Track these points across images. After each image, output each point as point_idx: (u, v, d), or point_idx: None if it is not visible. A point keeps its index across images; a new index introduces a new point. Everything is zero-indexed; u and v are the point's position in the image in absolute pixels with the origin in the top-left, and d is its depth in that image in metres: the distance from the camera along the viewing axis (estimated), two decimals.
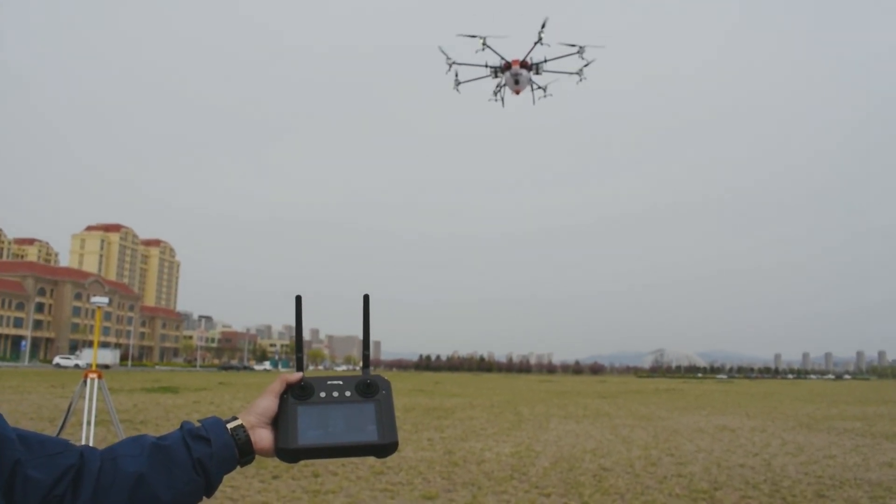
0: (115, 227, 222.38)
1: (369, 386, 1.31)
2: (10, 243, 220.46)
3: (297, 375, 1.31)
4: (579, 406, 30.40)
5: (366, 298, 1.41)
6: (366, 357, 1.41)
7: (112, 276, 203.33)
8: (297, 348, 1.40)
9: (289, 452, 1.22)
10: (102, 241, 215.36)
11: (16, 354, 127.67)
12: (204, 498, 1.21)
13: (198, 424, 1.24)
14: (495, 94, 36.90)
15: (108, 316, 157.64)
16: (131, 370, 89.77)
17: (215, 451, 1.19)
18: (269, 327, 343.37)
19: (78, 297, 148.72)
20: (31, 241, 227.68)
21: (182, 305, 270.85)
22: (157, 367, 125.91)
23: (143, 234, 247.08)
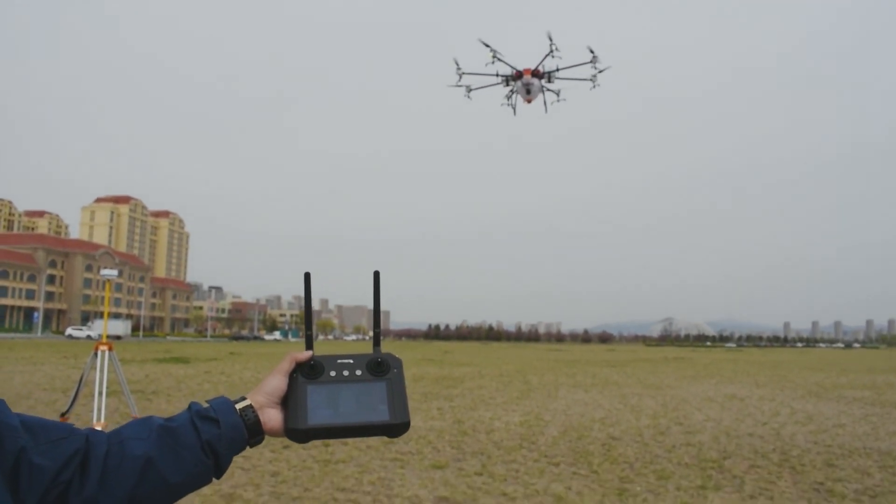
0: (124, 199, 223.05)
1: (380, 364, 1.28)
2: (20, 216, 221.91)
3: (306, 354, 1.28)
4: (588, 375, 30.49)
5: (376, 275, 1.37)
6: (376, 335, 1.36)
7: (122, 248, 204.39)
8: (307, 326, 1.35)
9: (298, 433, 1.19)
10: (112, 212, 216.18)
11: (28, 326, 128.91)
12: (213, 479, 1.19)
13: (206, 405, 1.21)
14: (507, 99, 36.49)
15: (118, 287, 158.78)
16: (142, 341, 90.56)
17: (224, 432, 1.17)
18: (278, 297, 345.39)
19: (89, 268, 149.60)
20: (41, 214, 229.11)
21: (192, 276, 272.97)
22: (168, 337, 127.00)
23: (153, 206, 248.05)
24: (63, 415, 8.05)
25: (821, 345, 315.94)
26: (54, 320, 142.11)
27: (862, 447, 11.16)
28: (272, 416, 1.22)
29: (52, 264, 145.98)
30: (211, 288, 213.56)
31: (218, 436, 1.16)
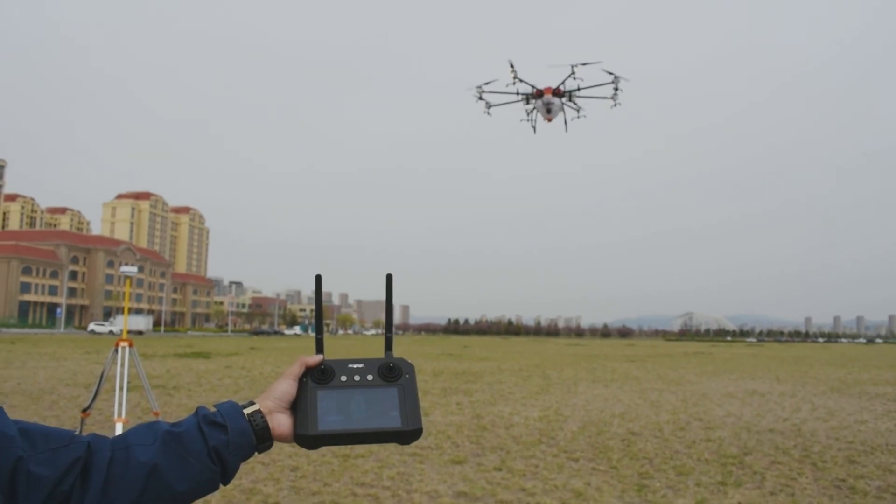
0: (144, 196, 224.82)
1: (392, 369, 1.25)
2: (42, 213, 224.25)
3: (316, 358, 1.25)
4: (607, 370, 30.36)
5: (389, 278, 1.34)
6: (388, 339, 1.34)
7: (143, 244, 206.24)
8: (317, 329, 1.33)
9: (308, 439, 1.17)
10: (133, 209, 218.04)
11: (51, 321, 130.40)
12: (220, 486, 1.16)
13: (213, 409, 1.18)
14: (528, 115, 36.26)
15: (140, 283, 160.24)
16: (164, 336, 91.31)
17: (231, 438, 1.14)
18: (298, 292, 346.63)
19: (110, 264, 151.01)
20: (63, 211, 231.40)
21: (212, 272, 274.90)
22: (188, 332, 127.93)
23: (173, 202, 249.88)
24: (85, 410, 8.12)
25: (843, 340, 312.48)
26: (77, 316, 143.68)
27: (884, 444, 11.03)
28: (281, 422, 1.20)
29: (74, 260, 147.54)
30: (231, 283, 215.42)
31: (225, 442, 1.13)
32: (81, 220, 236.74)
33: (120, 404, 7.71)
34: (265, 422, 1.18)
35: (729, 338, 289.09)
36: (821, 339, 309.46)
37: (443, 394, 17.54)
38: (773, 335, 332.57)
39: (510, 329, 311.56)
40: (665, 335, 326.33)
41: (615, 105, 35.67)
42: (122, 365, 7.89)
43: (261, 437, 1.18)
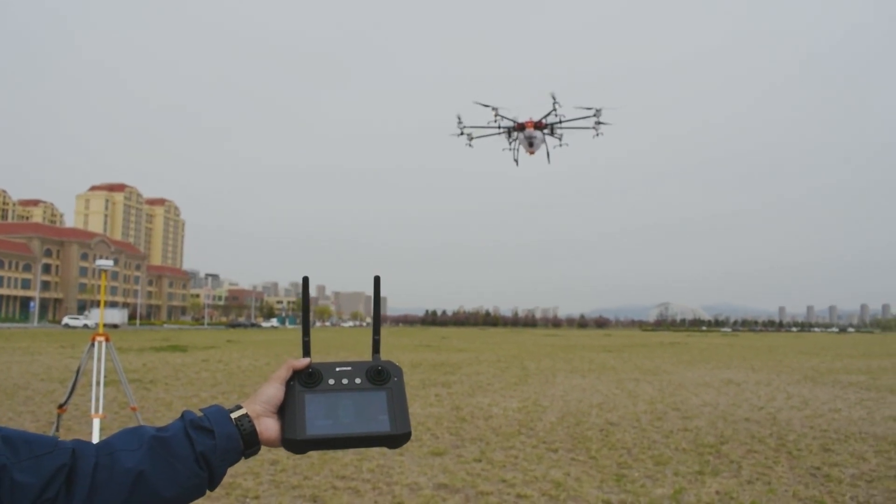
0: (119, 187, 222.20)
1: (380, 373, 1.24)
2: (14, 205, 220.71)
3: (303, 361, 1.24)
4: (585, 360, 30.57)
5: (376, 280, 1.32)
6: (376, 342, 1.33)
7: (118, 236, 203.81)
8: (304, 332, 1.31)
9: (296, 443, 1.15)
10: (107, 200, 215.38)
11: (25, 315, 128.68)
12: (207, 492, 1.14)
13: (200, 414, 1.16)
14: (510, 146, 36.21)
15: (115, 275, 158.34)
16: (140, 329, 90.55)
17: (219, 443, 1.11)
18: (275, 284, 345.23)
19: (84, 257, 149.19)
20: (35, 203, 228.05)
21: (188, 264, 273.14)
22: (165, 325, 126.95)
23: (148, 194, 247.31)
24: (61, 406, 8.01)
25: (816, 329, 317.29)
26: (51, 309, 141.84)
27: (858, 432, 11.21)
28: (269, 426, 1.18)
29: (48, 253, 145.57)
30: (207, 275, 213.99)
31: (213, 447, 1.11)
32: (55, 213, 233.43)
33: (97, 399, 7.61)
34: (253, 426, 1.16)
35: (704, 328, 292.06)
36: (794, 329, 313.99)
37: (421, 385, 17.55)
38: (747, 325, 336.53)
39: (488, 320, 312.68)
40: (641, 325, 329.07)
41: (597, 135, 35.86)
42: (99, 359, 7.79)
43: (248, 441, 1.16)
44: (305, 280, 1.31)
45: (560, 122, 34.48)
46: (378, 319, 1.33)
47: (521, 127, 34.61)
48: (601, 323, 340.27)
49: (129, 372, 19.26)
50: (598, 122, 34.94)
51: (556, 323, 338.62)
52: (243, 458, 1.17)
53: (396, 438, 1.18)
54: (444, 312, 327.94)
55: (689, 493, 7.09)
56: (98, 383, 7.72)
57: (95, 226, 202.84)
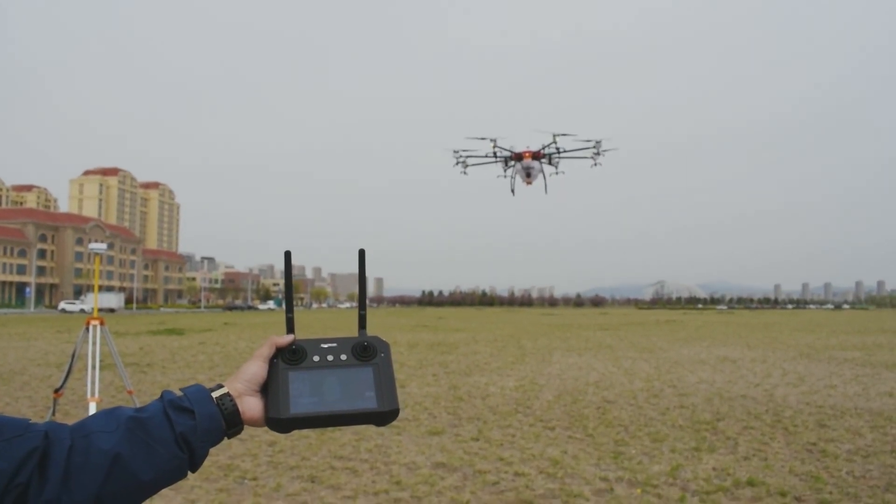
0: (112, 171, 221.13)
1: (366, 348, 1.20)
2: (8, 190, 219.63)
3: (287, 338, 1.19)
4: (581, 339, 30.66)
5: (361, 254, 1.28)
6: (362, 317, 1.28)
7: (112, 220, 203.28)
8: (288, 308, 1.26)
9: (280, 422, 1.11)
10: (101, 185, 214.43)
11: (21, 301, 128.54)
12: (188, 474, 1.08)
13: (179, 394, 1.11)
14: (505, 174, 36.03)
15: (110, 260, 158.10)
16: (136, 313, 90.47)
17: (199, 423, 1.06)
18: (271, 267, 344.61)
19: (79, 242, 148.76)
20: (29, 188, 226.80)
21: (184, 248, 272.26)
22: (161, 309, 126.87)
23: (142, 178, 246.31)
24: (57, 390, 8.00)
25: (811, 306, 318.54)
26: (46, 295, 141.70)
27: (853, 408, 11.26)
28: (252, 405, 1.13)
29: (43, 238, 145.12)
30: (203, 259, 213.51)
31: (193, 427, 1.06)
32: (48, 198, 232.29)
33: (93, 383, 7.60)
34: (235, 405, 1.11)
35: (700, 305, 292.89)
36: (790, 306, 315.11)
37: (418, 365, 17.58)
38: (743, 302, 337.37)
39: (484, 300, 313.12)
40: (637, 304, 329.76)
41: (595, 165, 35.75)
42: (94, 343, 7.77)
43: (230, 421, 1.11)
44: (287, 255, 1.27)
45: (558, 152, 34.35)
46: (364, 294, 1.28)
47: (518, 157, 34.50)
48: (597, 302, 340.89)
49: (126, 356, 19.26)
50: (597, 153, 34.90)
51: (552, 302, 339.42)
52: (226, 438, 1.13)
53: (384, 415, 1.14)
54: (440, 293, 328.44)
55: (686, 469, 7.11)
56: (94, 367, 7.70)
57: (90, 210, 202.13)
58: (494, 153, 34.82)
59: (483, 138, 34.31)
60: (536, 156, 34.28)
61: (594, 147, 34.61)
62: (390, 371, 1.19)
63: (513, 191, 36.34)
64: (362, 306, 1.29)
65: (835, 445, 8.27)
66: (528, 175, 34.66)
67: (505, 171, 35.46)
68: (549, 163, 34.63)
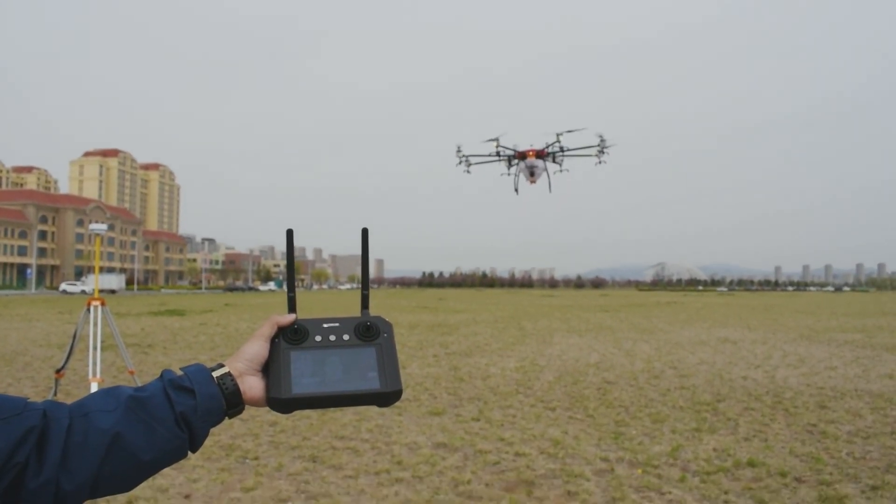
0: (112, 153, 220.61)
1: (369, 328, 1.18)
2: (8, 172, 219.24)
3: (289, 317, 1.17)
4: (582, 320, 30.69)
5: (364, 233, 1.26)
6: (364, 297, 1.26)
7: (113, 202, 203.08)
8: (289, 287, 1.23)
9: (282, 403, 1.09)
10: (101, 166, 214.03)
11: (22, 282, 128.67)
12: (188, 455, 1.06)
13: (180, 373, 1.08)
14: (509, 172, 35.82)
15: (111, 241, 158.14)
16: (137, 294, 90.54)
17: (200, 402, 1.04)
18: (272, 248, 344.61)
19: (80, 223, 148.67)
20: (29, 170, 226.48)
21: (184, 229, 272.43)
22: (162, 290, 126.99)
23: (142, 159, 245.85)
24: (59, 371, 8.02)
25: (811, 288, 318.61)
26: (48, 276, 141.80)
27: (853, 389, 11.28)
28: (253, 385, 1.11)
29: (43, 220, 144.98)
30: (204, 240, 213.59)
31: (193, 407, 1.03)
32: (48, 179, 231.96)
33: (94, 364, 7.61)
34: (235, 385, 1.09)
35: (700, 287, 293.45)
36: (790, 288, 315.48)
37: (419, 346, 17.61)
38: (743, 284, 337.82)
39: (485, 281, 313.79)
40: (638, 285, 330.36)
41: (599, 163, 35.50)
42: (95, 324, 7.77)
43: (231, 401, 1.09)
44: (290, 233, 1.24)
45: (562, 151, 34.16)
46: (367, 273, 1.26)
47: (521, 156, 34.35)
48: (598, 283, 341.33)
49: (128, 336, 19.29)
50: (602, 151, 34.72)
51: (552, 283, 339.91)
52: (226, 418, 1.10)
53: (386, 396, 1.12)
54: (440, 274, 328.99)
55: (687, 450, 7.13)
56: (95, 348, 7.71)
57: (90, 192, 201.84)
58: (498, 153, 34.79)
59: (490, 140, 34.40)
60: (540, 154, 34.21)
61: (598, 145, 34.54)
62: (393, 352, 1.17)
63: (516, 190, 36.31)
64: (365, 286, 1.26)
65: (835, 427, 8.28)
66: (531, 174, 34.64)
67: (508, 169, 35.45)
68: (553, 161, 34.56)
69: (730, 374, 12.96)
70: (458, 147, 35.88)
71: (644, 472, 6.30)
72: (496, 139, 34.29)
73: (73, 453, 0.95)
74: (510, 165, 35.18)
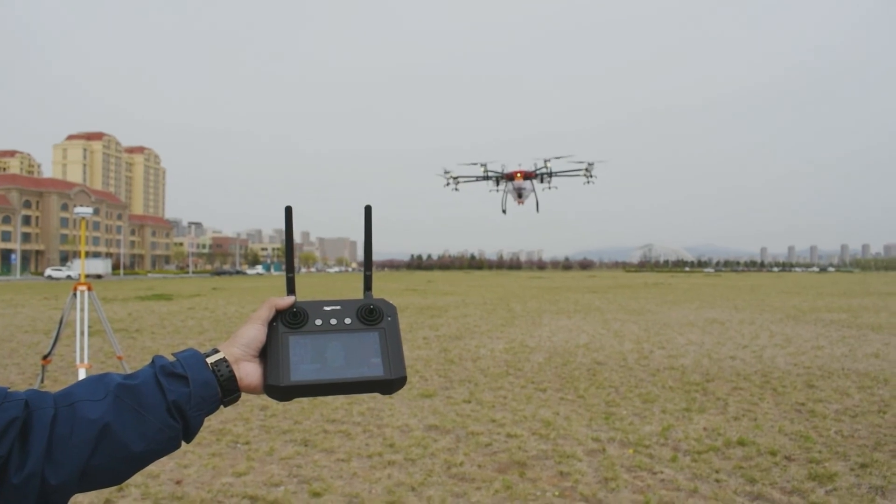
0: (96, 136, 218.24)
1: (372, 312, 1.12)
2: None
3: (287, 300, 1.11)
4: (570, 301, 30.78)
5: (367, 210, 1.20)
6: (367, 278, 1.20)
7: (97, 186, 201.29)
8: (288, 267, 1.17)
9: (280, 390, 1.03)
10: (85, 149, 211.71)
11: (6, 268, 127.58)
12: (182, 445, 1.01)
13: (172, 359, 1.03)
14: (496, 186, 35.91)
15: (96, 226, 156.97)
16: (124, 279, 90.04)
17: (194, 390, 0.99)
18: (259, 231, 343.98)
19: (64, 207, 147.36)
20: (12, 154, 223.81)
21: (170, 213, 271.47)
22: (149, 274, 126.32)
23: (126, 143, 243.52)
24: (45, 357, 7.95)
25: (797, 269, 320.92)
26: (32, 261, 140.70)
27: (840, 368, 11.36)
28: (249, 371, 1.05)
29: (27, 204, 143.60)
30: (191, 224, 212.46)
31: (186, 395, 0.98)
32: (32, 163, 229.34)
33: (82, 349, 7.55)
34: (231, 372, 1.03)
35: (687, 268, 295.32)
36: (776, 269, 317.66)
37: (409, 329, 17.60)
38: (730, 265, 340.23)
39: (473, 263, 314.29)
40: (625, 266, 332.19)
41: (588, 182, 35.72)
42: (82, 309, 7.70)
43: (227, 388, 1.03)
44: (288, 210, 1.16)
45: (550, 173, 34.34)
46: (370, 253, 1.20)
47: (510, 177, 34.53)
48: (585, 265, 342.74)
49: (115, 321, 19.17)
50: (590, 174, 34.98)
51: (540, 265, 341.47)
52: (222, 406, 1.05)
53: (390, 383, 1.07)
54: (429, 256, 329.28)
55: (677, 429, 7.16)
56: (82, 333, 7.64)
57: (74, 176, 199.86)
58: (486, 176, 35.12)
59: (474, 163, 34.85)
60: (528, 176, 34.47)
61: (586, 170, 34.92)
62: (398, 336, 1.12)
63: (504, 210, 36.64)
64: (368, 266, 1.21)
65: (823, 406, 8.34)
66: (519, 196, 34.98)
67: (497, 186, 35.70)
68: (542, 181, 34.85)
69: (718, 354, 13.03)
70: (445, 170, 36.20)
71: (635, 452, 6.32)
72: (484, 164, 34.69)
73: (58, 445, 0.89)
74: (498, 184, 35.43)
